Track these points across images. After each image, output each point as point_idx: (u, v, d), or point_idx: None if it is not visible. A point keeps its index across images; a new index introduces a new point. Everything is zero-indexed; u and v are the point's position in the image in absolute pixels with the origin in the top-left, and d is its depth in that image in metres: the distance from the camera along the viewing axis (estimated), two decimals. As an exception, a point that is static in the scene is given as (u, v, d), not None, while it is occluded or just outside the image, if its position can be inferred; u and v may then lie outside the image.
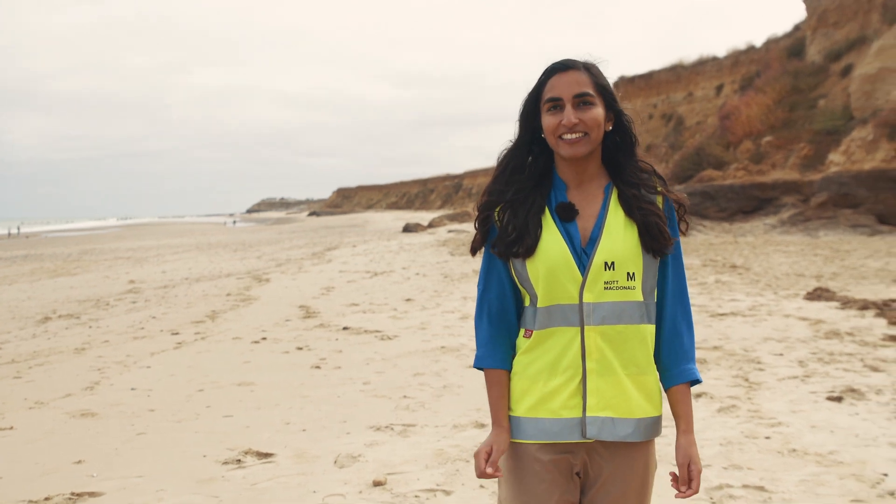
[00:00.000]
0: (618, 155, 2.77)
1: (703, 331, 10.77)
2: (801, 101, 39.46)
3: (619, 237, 2.63)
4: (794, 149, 36.31)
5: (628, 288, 2.62)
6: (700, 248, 26.30)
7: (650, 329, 2.70)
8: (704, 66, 56.58)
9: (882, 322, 11.13)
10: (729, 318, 11.73)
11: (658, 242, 2.64)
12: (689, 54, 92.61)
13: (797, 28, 47.75)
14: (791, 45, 46.65)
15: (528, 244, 2.64)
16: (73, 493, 5.46)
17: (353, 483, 5.47)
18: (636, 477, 2.69)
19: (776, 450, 5.97)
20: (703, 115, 53.44)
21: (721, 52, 59.95)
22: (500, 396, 2.71)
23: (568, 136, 2.63)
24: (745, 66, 51.79)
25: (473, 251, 2.83)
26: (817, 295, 13.82)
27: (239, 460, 6.09)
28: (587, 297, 2.60)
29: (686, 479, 2.62)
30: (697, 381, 2.75)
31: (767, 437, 6.23)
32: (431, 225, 55.93)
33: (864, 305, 12.39)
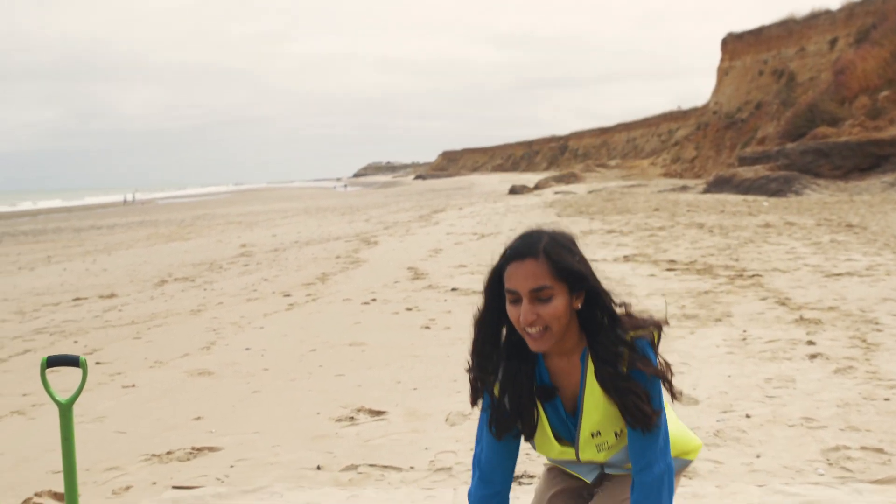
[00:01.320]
0: (593, 327, 2.71)
1: (818, 291, 10.51)
2: (922, 53, 37.96)
3: (599, 411, 2.69)
4: (914, 103, 35.00)
5: (619, 444, 2.75)
6: (814, 207, 25.60)
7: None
8: (817, 20, 54.62)
9: None
10: (845, 278, 11.40)
11: (640, 422, 2.64)
12: (801, 7, 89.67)
13: (917, -23, 45.81)
14: (911, -5, 44.81)
15: (526, 431, 2.78)
16: (193, 448, 5.63)
17: (464, 441, 5.50)
18: None
19: (897, 411, 5.82)
20: (815, 71, 51.70)
21: (835, 4, 57.88)
22: None
23: (530, 331, 2.59)
24: (861, 18, 49.85)
25: (473, 403, 2.87)
26: (940, 253, 13.35)
27: (352, 417, 6.19)
28: (583, 457, 2.79)
29: None
30: None
31: (886, 399, 6.04)
32: (538, 186, 55.70)
33: None
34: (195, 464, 5.40)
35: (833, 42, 52.16)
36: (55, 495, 4.89)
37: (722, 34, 77.07)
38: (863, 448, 5.12)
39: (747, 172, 36.37)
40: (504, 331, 2.77)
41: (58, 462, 5.14)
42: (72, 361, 3.08)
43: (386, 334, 9.17)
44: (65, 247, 25.57)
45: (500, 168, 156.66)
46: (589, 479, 2.95)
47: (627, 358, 2.64)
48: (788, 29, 56.45)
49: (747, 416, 5.77)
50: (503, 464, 2.83)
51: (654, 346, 2.71)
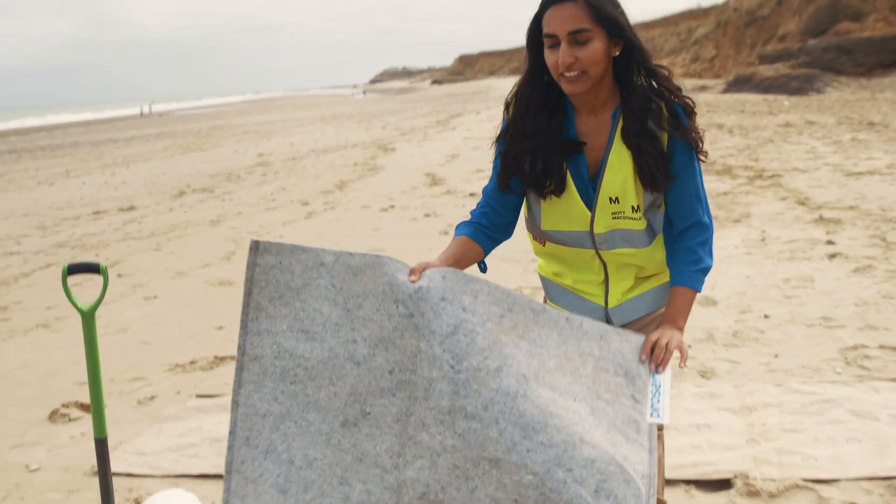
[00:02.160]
0: (628, 79, 2.58)
1: (838, 190, 10.44)
2: (949, -57, 36.96)
3: (620, 173, 2.57)
4: (940, -4, 34.25)
5: (634, 219, 2.61)
6: (835, 105, 25.27)
7: (659, 240, 2.71)
8: None
9: None
10: (865, 177, 11.31)
11: (652, 184, 2.55)
12: None
13: None
14: None
15: (556, 185, 2.62)
16: (215, 357, 5.71)
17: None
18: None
19: (917, 309, 5.82)
20: (840, -36, 50.57)
21: None
22: (452, 253, 2.66)
23: (567, 74, 2.47)
24: None
25: (502, 186, 2.72)
26: (963, 149, 13.19)
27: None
28: (597, 228, 2.63)
29: (647, 352, 2.54)
30: (697, 291, 2.69)
31: (907, 296, 6.06)
32: (555, 90, 55.14)
33: None
34: (218, 372, 5.48)
35: (857, -67, 50.83)
36: (82, 406, 4.99)
37: (742, -72, 75.35)
38: (881, 347, 5.13)
39: (767, 71, 35.87)
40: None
41: (83, 374, 5.24)
42: (93, 269, 3.09)
43: (405, 240, 9.19)
44: (83, 160, 25.58)
45: (516, 71, 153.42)
46: (596, 274, 2.78)
47: (662, 115, 2.55)
48: (811, -80, 54.96)
49: (765, 317, 5.78)
50: (499, 210, 2.75)
51: (689, 114, 2.59)
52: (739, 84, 37.12)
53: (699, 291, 2.67)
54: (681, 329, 2.60)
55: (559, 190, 2.60)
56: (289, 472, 2.36)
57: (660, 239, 2.70)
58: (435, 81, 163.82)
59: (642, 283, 2.78)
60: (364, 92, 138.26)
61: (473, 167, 15.60)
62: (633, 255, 2.67)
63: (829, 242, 7.77)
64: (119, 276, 8.46)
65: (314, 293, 2.39)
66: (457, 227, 2.77)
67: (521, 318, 2.41)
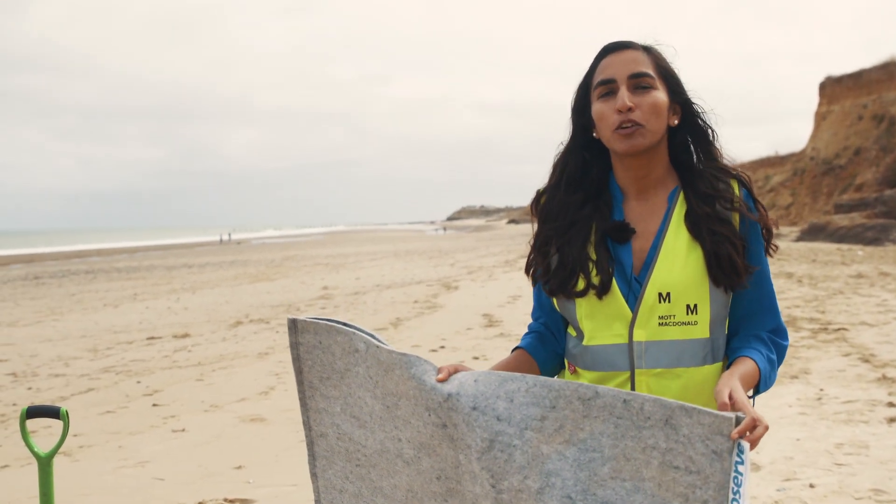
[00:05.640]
0: (688, 157, 2.26)
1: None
2: None
3: (678, 262, 2.14)
4: None
5: (689, 324, 2.13)
6: (912, 257, 24.73)
7: (716, 369, 2.19)
8: (919, 63, 53.19)
9: None
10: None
11: (730, 278, 2.13)
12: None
13: None
14: None
15: (600, 280, 2.17)
16: (225, 499, 5.47)
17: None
18: None
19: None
20: (918, 116, 50.25)
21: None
22: (500, 366, 2.28)
23: (624, 123, 2.12)
24: (966, 61, 48.49)
25: (534, 280, 2.38)
26: None
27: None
28: (638, 336, 2.14)
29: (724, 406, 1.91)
30: (761, 371, 2.12)
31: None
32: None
33: None
34: (224, 516, 5.25)
35: (937, 86, 50.64)
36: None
37: (820, 77, 75.60)
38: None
39: (843, 220, 35.41)
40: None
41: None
42: (52, 413, 2.93)
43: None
44: (154, 284, 25.97)
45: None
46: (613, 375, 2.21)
47: (734, 194, 2.19)
48: (889, 72, 54.95)
49: (811, 486, 5.38)
50: (548, 312, 2.37)
51: (752, 194, 2.24)
52: (814, 233, 36.67)
53: (763, 374, 2.13)
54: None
55: (602, 289, 2.15)
56: None
57: (718, 369, 2.18)
58: (511, 221, 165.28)
59: None
60: (444, 229, 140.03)
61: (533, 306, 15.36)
62: (678, 377, 2.14)
63: (891, 405, 7.34)
64: (154, 406, 8.34)
65: (356, 380, 2.22)
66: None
67: (567, 414, 1.94)
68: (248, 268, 33.70)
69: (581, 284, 2.18)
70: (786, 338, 2.25)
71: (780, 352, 2.22)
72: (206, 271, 32.44)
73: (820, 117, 61.17)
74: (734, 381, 1.97)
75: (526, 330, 2.46)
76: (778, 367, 2.21)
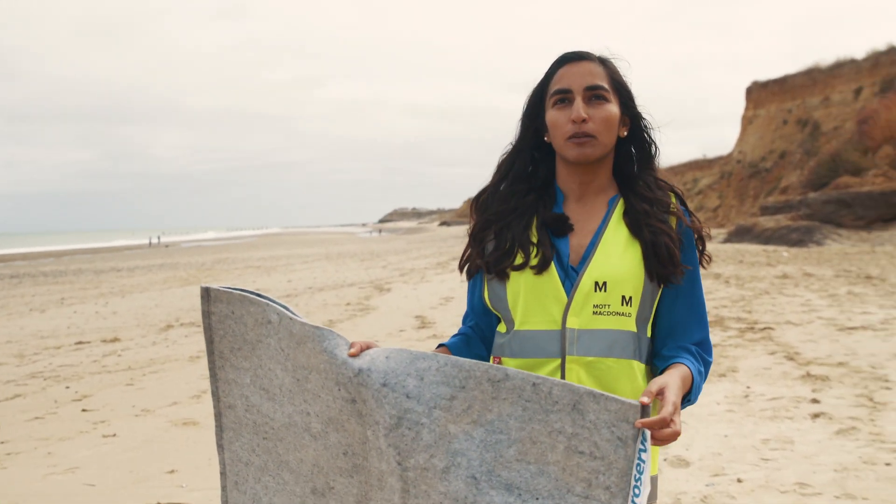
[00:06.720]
0: (631, 166, 2.34)
1: (829, 346, 10.22)
2: (947, 104, 37.67)
3: (615, 254, 2.19)
4: (938, 154, 34.69)
5: (623, 315, 2.18)
6: (834, 257, 25.25)
7: (641, 369, 2.23)
8: (842, 69, 54.32)
9: None
10: (858, 332, 11.10)
11: (666, 268, 2.18)
12: (826, 57, 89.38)
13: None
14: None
15: (539, 260, 2.21)
16: (158, 504, 5.44)
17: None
18: None
19: (898, 478, 5.54)
20: (840, 120, 51.36)
21: (860, 53, 57.60)
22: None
23: (577, 132, 2.19)
24: (886, 67, 49.68)
25: (469, 274, 2.41)
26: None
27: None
28: (571, 322, 2.16)
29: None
30: (693, 378, 2.16)
31: (888, 464, 5.75)
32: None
33: None
34: (158, 521, 5.21)
35: (858, 91, 51.88)
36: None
37: (746, 83, 77.01)
38: (857, 517, 4.86)
39: (769, 222, 36.10)
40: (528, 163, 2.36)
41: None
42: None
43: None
44: (81, 288, 25.53)
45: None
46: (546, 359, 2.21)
47: (671, 200, 2.28)
48: (813, 78, 56.22)
49: (739, 481, 5.50)
50: (479, 314, 2.40)
51: (686, 206, 2.34)
52: (740, 234, 37.35)
53: (696, 384, 2.17)
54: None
55: (543, 264, 2.19)
56: None
57: (643, 370, 2.22)
58: (443, 223, 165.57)
59: None
60: (380, 231, 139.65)
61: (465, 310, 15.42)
62: (609, 369, 2.16)
63: (815, 401, 7.53)
64: (83, 411, 8.21)
65: (267, 352, 2.20)
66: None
67: (476, 395, 1.96)
68: (179, 271, 33.30)
69: (520, 259, 2.23)
70: (711, 354, 2.30)
71: (706, 367, 2.27)
72: (136, 275, 31.98)
73: (746, 121, 62.34)
74: (670, 378, 2.02)
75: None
76: (703, 381, 2.25)
